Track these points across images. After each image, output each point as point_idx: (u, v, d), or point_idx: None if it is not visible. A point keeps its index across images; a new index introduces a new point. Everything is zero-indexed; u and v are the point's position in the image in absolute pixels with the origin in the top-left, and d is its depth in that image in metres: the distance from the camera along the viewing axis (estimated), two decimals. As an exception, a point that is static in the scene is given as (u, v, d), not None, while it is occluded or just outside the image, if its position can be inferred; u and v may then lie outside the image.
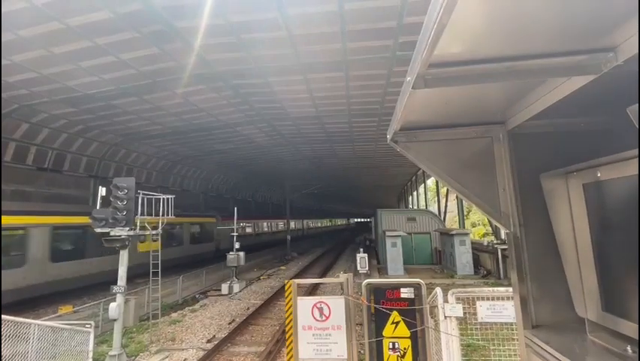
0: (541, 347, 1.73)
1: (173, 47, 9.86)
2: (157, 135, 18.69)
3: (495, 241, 19.21)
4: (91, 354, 7.08)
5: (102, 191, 8.49)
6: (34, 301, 13.24)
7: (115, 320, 7.91)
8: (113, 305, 7.90)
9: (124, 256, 8.14)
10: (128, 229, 8.07)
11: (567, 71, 1.26)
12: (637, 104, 1.18)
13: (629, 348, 1.46)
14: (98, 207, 8.37)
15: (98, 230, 8.08)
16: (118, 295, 8.00)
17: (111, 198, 8.11)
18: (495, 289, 4.70)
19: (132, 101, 13.78)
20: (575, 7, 1.04)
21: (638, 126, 1.11)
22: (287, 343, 4.59)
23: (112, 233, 8.01)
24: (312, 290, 14.46)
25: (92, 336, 7.21)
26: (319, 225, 71.28)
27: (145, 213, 9.69)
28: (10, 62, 10.03)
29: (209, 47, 9.99)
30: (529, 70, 1.26)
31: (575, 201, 1.71)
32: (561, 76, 1.36)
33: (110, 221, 7.98)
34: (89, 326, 7.29)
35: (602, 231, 1.58)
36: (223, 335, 9.84)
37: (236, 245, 16.71)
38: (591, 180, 1.59)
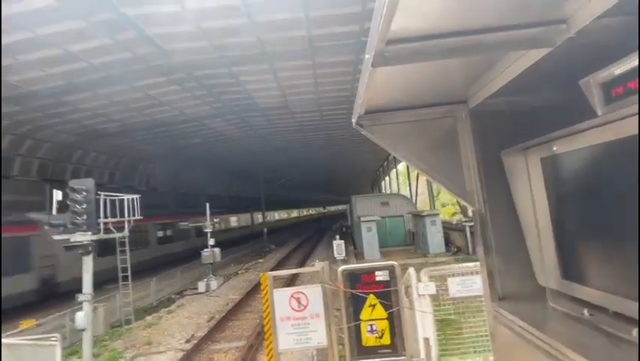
0: (507, 318, 1.80)
1: (126, 36, 9.20)
2: (116, 133, 17.58)
3: (464, 219, 20.09)
4: (59, 368, 6.67)
5: (57, 195, 7.87)
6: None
7: (83, 329, 7.48)
8: (79, 315, 7.44)
9: (88, 263, 7.65)
10: (90, 233, 7.57)
11: (523, 45, 1.26)
12: (588, 77, 1.20)
13: (585, 312, 1.54)
14: (54, 213, 7.78)
15: (57, 237, 7.53)
16: (85, 303, 7.55)
17: (69, 203, 7.55)
18: (465, 265, 4.90)
19: (85, 97, 12.81)
20: None
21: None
22: (266, 336, 4.55)
23: (72, 239, 7.48)
24: (292, 281, 14.48)
25: (58, 350, 6.78)
26: (297, 215, 71.59)
27: (109, 215, 9.16)
28: None
29: (166, 37, 9.42)
30: (487, 44, 1.25)
31: (534, 176, 1.76)
32: (517, 49, 1.36)
33: (70, 227, 7.44)
34: (54, 338, 6.84)
35: (559, 202, 1.64)
36: (202, 334, 9.64)
37: (211, 241, 16.31)
38: (548, 154, 1.63)
